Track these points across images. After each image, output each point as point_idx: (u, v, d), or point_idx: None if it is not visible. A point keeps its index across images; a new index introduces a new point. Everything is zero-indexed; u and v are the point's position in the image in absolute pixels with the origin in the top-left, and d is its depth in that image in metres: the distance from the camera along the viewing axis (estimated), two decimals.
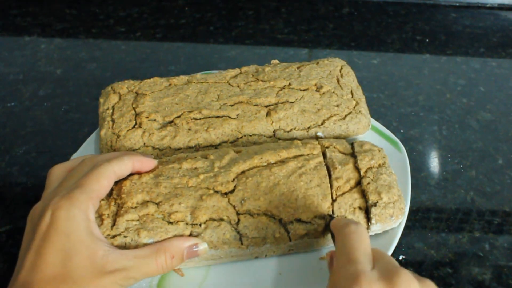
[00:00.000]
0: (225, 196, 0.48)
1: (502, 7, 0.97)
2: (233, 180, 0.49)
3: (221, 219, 0.46)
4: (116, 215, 0.46)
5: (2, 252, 0.54)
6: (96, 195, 0.42)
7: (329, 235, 0.48)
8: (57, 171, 0.47)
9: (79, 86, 0.79)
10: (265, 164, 0.50)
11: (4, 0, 1.01)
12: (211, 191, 0.48)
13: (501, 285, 0.51)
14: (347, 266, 0.37)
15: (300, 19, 0.96)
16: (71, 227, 0.39)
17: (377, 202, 0.49)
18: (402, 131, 0.69)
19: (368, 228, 0.49)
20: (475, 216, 0.58)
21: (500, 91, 0.77)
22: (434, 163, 0.65)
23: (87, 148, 0.61)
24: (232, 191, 0.48)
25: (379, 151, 0.53)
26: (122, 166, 0.46)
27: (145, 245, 0.45)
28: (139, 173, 0.49)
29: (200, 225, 0.46)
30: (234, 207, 0.47)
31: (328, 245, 0.49)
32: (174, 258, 0.42)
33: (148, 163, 0.49)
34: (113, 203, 0.47)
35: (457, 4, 0.98)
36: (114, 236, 0.45)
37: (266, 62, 0.66)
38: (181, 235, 0.45)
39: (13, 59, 0.85)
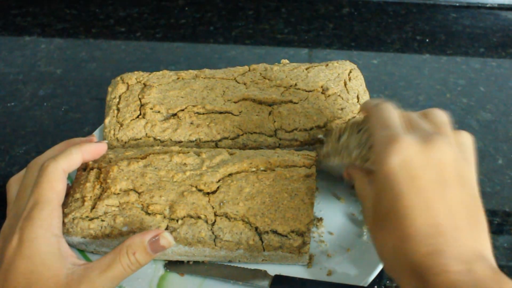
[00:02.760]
0: (207, 195, 0.48)
1: (502, 7, 0.97)
2: (218, 181, 0.49)
3: (199, 217, 0.47)
4: (98, 199, 0.48)
5: None
6: (56, 204, 0.43)
7: (306, 255, 0.47)
8: (13, 184, 0.48)
9: (79, 86, 0.79)
10: (254, 169, 0.50)
11: (4, 0, 1.01)
12: (194, 189, 0.48)
13: None
14: (382, 132, 0.38)
15: (300, 19, 0.96)
16: (34, 250, 0.39)
17: None
18: None
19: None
20: None
21: (500, 91, 0.77)
22: None
23: None
24: (214, 192, 0.48)
25: None
26: (70, 161, 0.45)
27: (119, 232, 0.46)
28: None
29: (177, 220, 0.47)
30: (212, 207, 0.47)
31: (304, 263, 0.49)
32: (137, 253, 0.41)
33: (99, 149, 0.49)
34: (98, 186, 0.49)
35: (457, 4, 0.98)
36: (92, 219, 0.47)
37: (266, 62, 0.66)
38: (158, 228, 0.46)
39: (13, 59, 0.85)
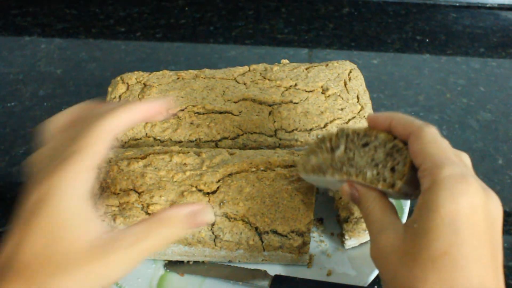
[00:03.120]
0: (207, 195, 0.48)
1: (502, 7, 0.97)
2: (218, 181, 0.49)
3: None
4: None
5: None
6: (90, 164, 0.36)
7: (306, 255, 0.47)
8: (54, 124, 0.41)
9: (79, 86, 0.79)
10: (254, 169, 0.50)
11: (4, 0, 1.01)
12: (194, 189, 0.48)
13: None
14: (450, 167, 0.34)
15: (300, 19, 0.96)
16: (61, 205, 0.34)
17: (348, 217, 0.49)
18: None
19: (343, 242, 0.50)
20: None
21: (500, 91, 0.77)
22: None
23: None
24: (214, 192, 0.48)
25: None
26: (117, 122, 0.39)
27: None
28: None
29: None
30: (212, 207, 0.47)
31: (304, 263, 0.49)
32: (174, 227, 0.37)
33: (154, 108, 0.41)
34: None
35: (457, 4, 0.98)
36: None
37: (266, 62, 0.66)
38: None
39: (13, 59, 0.85)
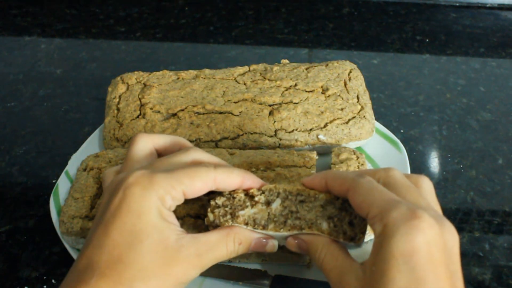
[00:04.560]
0: (206, 195, 0.48)
1: (502, 7, 0.97)
2: None
3: (198, 217, 0.47)
4: (98, 198, 0.49)
5: (2, 252, 0.54)
6: (180, 189, 0.37)
7: (306, 255, 0.47)
8: (142, 144, 0.42)
9: (79, 86, 0.79)
10: (254, 169, 0.50)
11: (4, 0, 1.01)
12: None
13: (501, 285, 0.51)
14: (397, 207, 0.33)
15: (300, 19, 0.96)
16: (144, 208, 0.35)
17: None
18: (402, 131, 0.69)
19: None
20: (475, 216, 0.58)
21: (500, 91, 0.77)
22: (434, 163, 0.65)
23: (88, 147, 0.61)
24: (213, 192, 0.48)
25: (358, 158, 0.53)
26: (227, 178, 0.39)
27: None
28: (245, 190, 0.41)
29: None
30: None
31: (304, 263, 0.49)
32: (241, 245, 0.39)
33: (258, 183, 0.42)
34: (97, 186, 0.50)
35: (457, 4, 0.98)
36: (91, 219, 0.47)
37: (266, 62, 0.66)
38: None
39: (13, 59, 0.85)
